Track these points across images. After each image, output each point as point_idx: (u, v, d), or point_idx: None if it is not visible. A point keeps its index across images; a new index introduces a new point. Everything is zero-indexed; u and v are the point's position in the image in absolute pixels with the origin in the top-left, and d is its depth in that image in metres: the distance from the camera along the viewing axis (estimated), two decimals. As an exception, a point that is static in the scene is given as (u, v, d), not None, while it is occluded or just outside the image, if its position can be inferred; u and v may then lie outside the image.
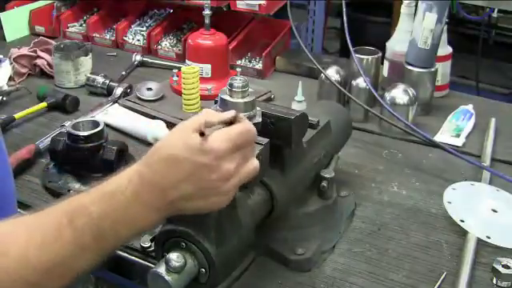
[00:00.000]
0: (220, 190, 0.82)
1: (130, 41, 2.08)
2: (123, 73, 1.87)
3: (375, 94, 1.51)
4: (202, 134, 0.80)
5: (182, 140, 0.81)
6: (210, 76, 1.73)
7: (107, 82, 1.73)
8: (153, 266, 0.92)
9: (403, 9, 1.73)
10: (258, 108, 1.00)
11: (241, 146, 0.83)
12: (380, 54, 1.68)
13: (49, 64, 1.84)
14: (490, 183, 1.32)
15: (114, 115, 1.59)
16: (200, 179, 0.80)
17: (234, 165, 0.82)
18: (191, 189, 0.81)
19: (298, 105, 1.55)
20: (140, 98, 1.67)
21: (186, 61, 1.76)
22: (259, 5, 1.88)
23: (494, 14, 3.24)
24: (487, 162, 1.41)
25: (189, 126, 0.82)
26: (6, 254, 0.78)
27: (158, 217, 0.83)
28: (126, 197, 0.80)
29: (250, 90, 0.98)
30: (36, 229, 0.80)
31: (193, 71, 1.59)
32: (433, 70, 1.64)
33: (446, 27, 1.65)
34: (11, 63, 1.83)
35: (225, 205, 0.84)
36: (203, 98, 1.63)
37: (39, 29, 2.15)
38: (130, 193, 0.81)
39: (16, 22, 2.14)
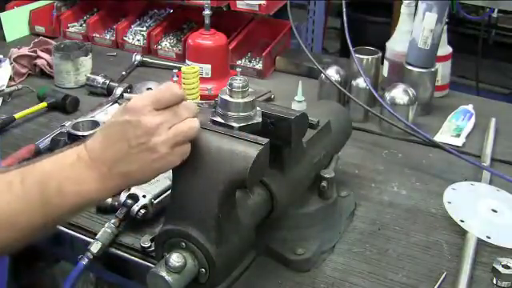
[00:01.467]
0: (149, 146, 0.84)
1: (130, 41, 2.08)
2: (123, 73, 1.86)
3: (375, 94, 1.51)
4: None
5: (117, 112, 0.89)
6: (210, 76, 1.73)
7: (107, 82, 1.73)
8: (153, 266, 0.92)
9: (403, 9, 1.73)
10: (257, 108, 1.00)
11: (165, 104, 0.86)
12: (380, 54, 1.68)
13: (49, 64, 1.84)
14: (490, 183, 1.32)
15: (114, 115, 1.58)
16: (128, 138, 0.84)
17: (157, 120, 0.85)
18: (124, 149, 0.84)
19: (298, 105, 1.55)
20: (140, 98, 1.67)
21: (186, 61, 1.77)
22: (259, 5, 1.88)
23: (494, 14, 3.24)
24: (487, 162, 1.41)
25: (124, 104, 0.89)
26: None
27: (102, 185, 0.85)
28: (72, 159, 0.85)
29: (250, 90, 0.98)
30: None
31: (193, 71, 1.59)
32: (433, 70, 1.64)
33: (445, 27, 1.65)
34: (11, 63, 1.83)
35: (164, 167, 0.87)
36: (203, 97, 1.63)
37: (39, 29, 2.15)
38: (76, 156, 0.85)
39: (16, 22, 2.14)
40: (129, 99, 0.89)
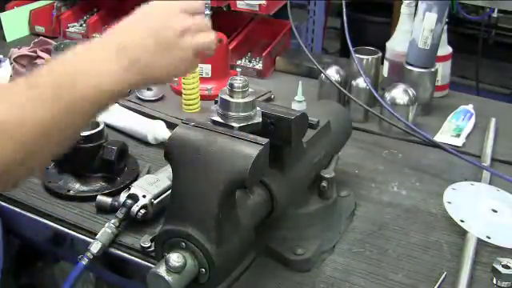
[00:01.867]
0: (179, 45, 0.87)
1: (130, 41, 2.07)
2: (123, 73, 1.86)
3: (375, 94, 1.51)
4: None
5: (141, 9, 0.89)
6: (209, 76, 1.73)
7: (107, 82, 1.73)
8: (153, 266, 0.92)
9: (403, 9, 1.73)
10: (257, 108, 1.00)
11: (192, 10, 0.90)
12: (380, 54, 1.68)
13: (49, 64, 1.84)
14: (490, 183, 1.32)
15: (114, 115, 1.58)
16: (157, 34, 0.85)
17: (188, 23, 0.88)
18: (151, 42, 0.85)
19: (298, 105, 1.55)
20: (140, 98, 1.67)
21: (186, 61, 1.76)
22: (259, 5, 1.88)
23: (494, 14, 3.24)
24: (487, 162, 1.41)
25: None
26: None
27: (122, 76, 0.83)
28: (89, 48, 0.84)
29: (250, 90, 0.98)
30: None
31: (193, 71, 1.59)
32: (433, 70, 1.64)
33: (445, 27, 1.65)
34: (11, 63, 1.83)
35: (184, 70, 0.91)
36: (203, 98, 1.63)
37: (39, 29, 2.15)
38: (94, 45, 0.84)
39: (16, 22, 2.14)
40: None
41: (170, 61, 0.87)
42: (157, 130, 1.48)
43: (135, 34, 0.85)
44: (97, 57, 0.83)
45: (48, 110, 0.78)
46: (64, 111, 0.79)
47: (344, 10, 1.63)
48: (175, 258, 0.86)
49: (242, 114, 0.97)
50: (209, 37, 0.92)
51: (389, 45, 1.76)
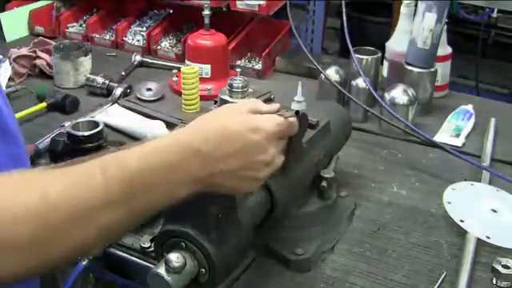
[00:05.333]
0: (259, 174, 0.84)
1: (130, 41, 2.08)
2: (123, 73, 1.86)
3: (375, 94, 1.51)
4: None
5: (235, 115, 0.82)
6: (209, 76, 1.73)
7: (107, 82, 1.73)
8: (153, 266, 0.92)
9: (403, 9, 1.73)
10: (257, 108, 1.00)
11: (282, 136, 0.86)
12: (380, 54, 1.68)
13: (48, 64, 1.84)
14: (490, 183, 1.32)
15: (114, 115, 1.58)
16: (247, 157, 0.81)
17: (274, 152, 0.84)
18: (237, 165, 0.81)
19: (298, 105, 1.55)
20: (140, 99, 1.67)
21: (186, 61, 1.77)
22: (259, 5, 1.88)
23: (494, 14, 3.23)
24: (487, 162, 1.41)
25: (241, 105, 0.84)
26: (30, 187, 0.72)
27: (194, 188, 0.80)
28: (170, 159, 0.78)
29: (249, 90, 0.99)
30: (67, 172, 0.76)
31: (192, 71, 1.59)
32: (432, 70, 1.64)
33: (445, 27, 1.65)
34: (11, 63, 1.83)
35: (253, 190, 0.88)
36: (203, 98, 1.63)
37: (39, 29, 2.15)
38: (176, 156, 0.78)
39: (16, 22, 2.14)
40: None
41: (240, 185, 0.85)
42: (157, 131, 1.48)
43: (226, 147, 0.80)
44: (176, 168, 0.78)
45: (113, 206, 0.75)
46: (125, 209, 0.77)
47: (343, 10, 1.63)
48: (175, 259, 0.86)
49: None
50: (280, 161, 0.88)
51: (388, 45, 1.76)
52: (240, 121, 0.82)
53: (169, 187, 0.78)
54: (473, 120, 1.60)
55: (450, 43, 1.75)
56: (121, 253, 1.14)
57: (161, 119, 1.55)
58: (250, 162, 0.82)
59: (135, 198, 0.76)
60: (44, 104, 1.64)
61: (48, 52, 1.84)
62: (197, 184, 0.80)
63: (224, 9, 1.91)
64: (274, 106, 0.87)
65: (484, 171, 1.36)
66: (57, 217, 0.72)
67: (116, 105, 1.65)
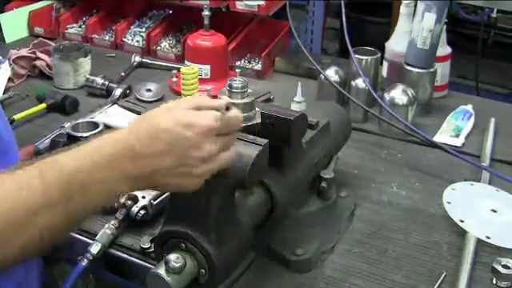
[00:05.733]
0: (196, 171, 0.83)
1: (130, 42, 2.07)
2: (122, 74, 1.86)
3: (374, 94, 1.51)
4: None
5: (169, 112, 0.83)
6: (209, 77, 1.73)
7: (106, 83, 1.73)
8: (152, 266, 0.92)
9: (402, 9, 1.73)
10: (257, 109, 1.00)
11: (226, 132, 0.84)
12: (379, 55, 1.68)
13: (48, 65, 1.84)
14: (490, 183, 1.32)
15: (114, 116, 1.58)
16: (181, 154, 0.81)
17: (214, 148, 0.83)
18: (169, 162, 0.81)
19: (298, 105, 1.55)
20: (139, 99, 1.67)
21: (186, 62, 1.77)
22: (258, 5, 1.88)
23: (494, 14, 3.23)
24: (486, 162, 1.41)
25: (180, 103, 0.84)
26: None
27: (132, 186, 0.82)
28: (104, 159, 0.80)
29: (249, 90, 0.98)
30: (6, 177, 0.78)
31: (192, 72, 1.59)
32: (432, 70, 1.64)
33: (445, 27, 1.65)
34: (10, 64, 1.83)
35: (196, 188, 0.84)
36: (202, 98, 1.63)
37: (38, 30, 2.15)
38: (108, 156, 0.80)
39: (15, 23, 2.14)
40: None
41: (182, 181, 0.84)
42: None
43: (161, 147, 0.81)
44: (110, 166, 0.80)
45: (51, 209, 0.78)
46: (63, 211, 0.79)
47: (343, 10, 1.63)
48: (175, 259, 0.86)
49: (242, 115, 0.97)
50: (228, 156, 0.86)
51: (388, 45, 1.76)
52: (173, 118, 0.82)
53: (104, 186, 0.80)
54: (472, 120, 1.60)
55: (449, 43, 1.75)
56: (121, 253, 1.14)
57: (160, 120, 1.54)
58: (183, 158, 0.81)
59: (73, 198, 0.78)
60: (44, 105, 1.64)
61: (48, 53, 1.84)
62: (133, 182, 0.81)
63: (223, 9, 1.91)
64: (222, 101, 0.86)
65: (484, 171, 1.36)
66: None
67: (116, 105, 1.65)
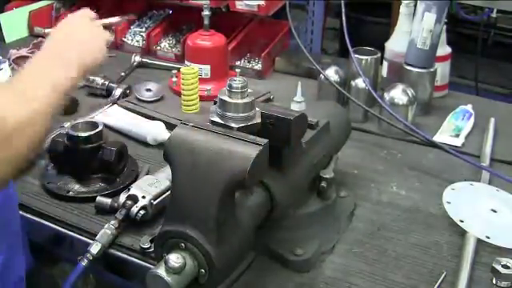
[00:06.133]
0: (98, 33, 1.19)
1: (130, 42, 2.08)
2: (122, 74, 1.86)
3: (374, 94, 1.51)
4: None
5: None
6: (209, 77, 1.73)
7: (106, 82, 1.73)
8: (152, 266, 0.92)
9: (402, 9, 1.73)
10: (257, 108, 1.00)
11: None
12: (379, 55, 1.68)
13: (48, 65, 1.83)
14: (490, 183, 1.32)
15: (114, 116, 1.59)
16: (87, 26, 1.18)
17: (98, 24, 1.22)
18: (85, 34, 1.16)
19: (297, 105, 1.55)
20: (139, 99, 1.67)
21: (185, 61, 1.77)
22: (258, 5, 1.88)
23: (493, 14, 3.23)
24: (486, 162, 1.41)
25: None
26: None
27: (68, 73, 1.07)
28: (41, 54, 1.10)
29: (249, 90, 0.98)
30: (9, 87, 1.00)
31: (192, 72, 1.59)
32: (432, 70, 1.64)
33: (444, 27, 1.65)
34: (10, 64, 1.83)
35: (104, 42, 1.19)
36: (202, 98, 1.63)
37: (38, 30, 2.14)
38: (42, 51, 1.11)
39: (15, 23, 2.14)
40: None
41: (95, 43, 1.16)
42: (156, 131, 1.48)
43: (71, 48, 1.11)
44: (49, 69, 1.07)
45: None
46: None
47: (343, 10, 1.63)
48: (175, 259, 0.86)
49: (241, 115, 0.97)
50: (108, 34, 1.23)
51: (388, 45, 1.76)
52: (71, 16, 1.21)
53: (46, 76, 1.04)
54: (472, 120, 1.60)
55: (449, 43, 1.75)
56: (121, 253, 1.14)
57: (160, 120, 1.55)
58: (90, 27, 1.19)
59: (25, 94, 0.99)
60: (43, 105, 1.64)
61: (47, 53, 1.84)
62: (69, 68, 1.07)
63: (223, 9, 1.91)
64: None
65: (483, 171, 1.36)
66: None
67: (115, 105, 1.65)
